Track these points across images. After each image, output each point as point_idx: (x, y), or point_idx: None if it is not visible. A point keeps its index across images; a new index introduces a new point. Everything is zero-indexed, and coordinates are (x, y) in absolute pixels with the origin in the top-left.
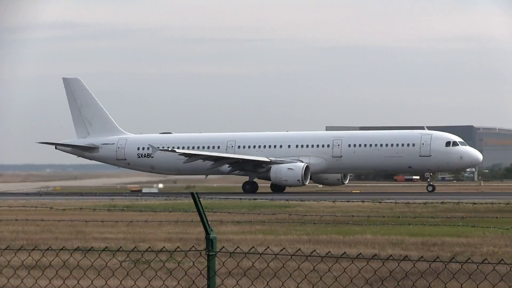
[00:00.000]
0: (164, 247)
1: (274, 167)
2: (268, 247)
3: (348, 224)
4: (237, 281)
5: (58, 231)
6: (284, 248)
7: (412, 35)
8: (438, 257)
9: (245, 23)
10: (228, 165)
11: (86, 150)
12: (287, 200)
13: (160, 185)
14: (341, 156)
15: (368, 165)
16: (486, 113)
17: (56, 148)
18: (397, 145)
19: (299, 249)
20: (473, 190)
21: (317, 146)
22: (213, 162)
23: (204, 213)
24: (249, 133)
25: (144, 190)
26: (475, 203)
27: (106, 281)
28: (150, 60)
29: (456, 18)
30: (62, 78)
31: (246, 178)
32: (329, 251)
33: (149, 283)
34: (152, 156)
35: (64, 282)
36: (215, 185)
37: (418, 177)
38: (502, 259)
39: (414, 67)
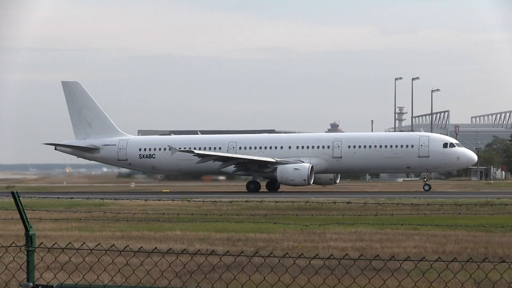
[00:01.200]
0: None
1: (280, 167)
2: (84, 243)
3: (159, 221)
4: (55, 275)
5: None
6: (99, 243)
7: (219, 46)
8: (242, 251)
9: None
10: (233, 166)
11: (86, 151)
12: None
13: None
14: (341, 157)
15: (367, 165)
16: (286, 118)
17: (55, 149)
18: (396, 146)
19: (113, 244)
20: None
21: (318, 147)
22: (222, 163)
23: (23, 211)
24: (250, 134)
25: None
26: (277, 202)
27: None
28: None
29: (263, 30)
30: (62, 81)
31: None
32: (141, 246)
33: None
34: (171, 154)
35: None
36: (33, 185)
37: (223, 178)
38: (302, 254)
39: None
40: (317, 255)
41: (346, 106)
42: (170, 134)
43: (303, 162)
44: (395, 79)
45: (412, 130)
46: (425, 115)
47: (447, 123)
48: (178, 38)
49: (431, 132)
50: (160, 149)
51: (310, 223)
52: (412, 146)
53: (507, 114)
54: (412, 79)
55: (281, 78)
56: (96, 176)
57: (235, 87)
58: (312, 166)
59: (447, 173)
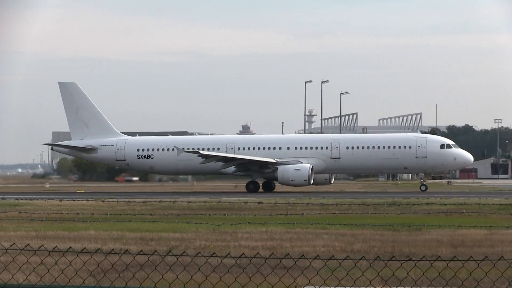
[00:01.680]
0: None
1: (281, 168)
2: None
3: (74, 221)
4: None
5: None
6: (14, 243)
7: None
8: (156, 250)
9: None
10: (234, 166)
11: (84, 151)
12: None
13: None
14: (340, 158)
15: (365, 166)
16: (199, 120)
17: (52, 149)
18: (394, 147)
19: (28, 244)
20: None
21: (316, 148)
22: (223, 163)
23: None
24: (248, 135)
25: None
26: (189, 202)
27: None
28: None
29: (175, 33)
30: (58, 82)
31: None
32: (56, 246)
33: None
34: (177, 155)
35: None
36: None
37: (137, 178)
38: (214, 253)
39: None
40: (228, 254)
41: (257, 108)
42: (167, 135)
43: (302, 163)
44: (305, 82)
45: (322, 132)
46: (334, 117)
47: (356, 125)
48: (92, 41)
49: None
50: (158, 149)
51: (222, 222)
52: (410, 147)
53: (414, 116)
54: (322, 82)
55: (193, 81)
56: (11, 177)
57: (148, 89)
58: (312, 166)
59: (356, 175)
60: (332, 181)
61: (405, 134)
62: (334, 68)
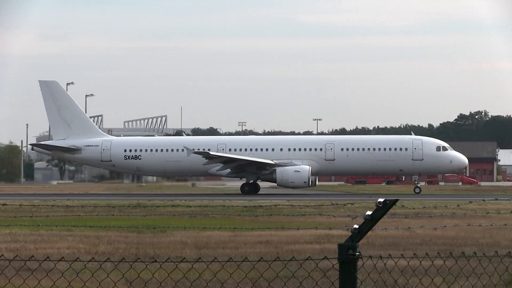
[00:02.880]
0: None
1: (279, 169)
2: None
3: None
4: None
5: None
6: None
7: None
8: None
9: None
10: (230, 168)
11: (67, 152)
12: None
13: None
14: (334, 160)
15: (360, 168)
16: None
17: (32, 149)
18: (390, 149)
19: None
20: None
21: (310, 149)
22: (222, 165)
23: None
24: (239, 136)
25: None
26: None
27: None
28: None
29: None
30: (39, 80)
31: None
32: None
33: None
34: (187, 155)
35: None
36: None
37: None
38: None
39: None
40: None
41: None
42: (153, 136)
43: (304, 164)
44: (67, 83)
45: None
46: None
47: (101, 127)
48: None
49: None
50: (146, 150)
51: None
52: (406, 149)
53: (159, 119)
54: (67, 84)
55: None
56: None
57: None
58: (310, 168)
59: (100, 176)
60: (317, 183)
61: (401, 136)
62: (79, 70)
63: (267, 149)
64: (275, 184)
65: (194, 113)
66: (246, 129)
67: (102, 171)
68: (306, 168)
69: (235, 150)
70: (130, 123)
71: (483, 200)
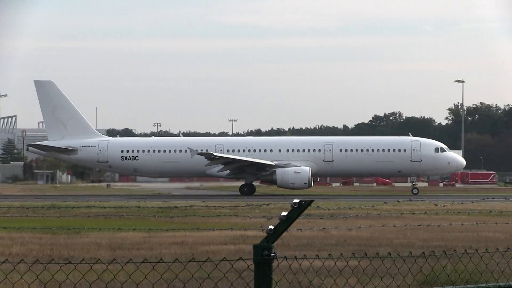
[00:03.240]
0: None
1: (280, 170)
2: None
3: None
4: None
5: None
6: None
7: None
8: None
9: None
10: (229, 169)
11: (63, 152)
12: None
13: None
14: (333, 161)
15: (359, 169)
16: None
17: (27, 149)
18: (388, 150)
19: None
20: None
21: (308, 150)
22: (223, 166)
23: None
24: (237, 137)
25: None
26: None
27: None
28: None
29: None
30: (34, 80)
31: None
32: None
33: None
34: (191, 156)
35: None
36: None
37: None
38: None
39: None
40: None
41: None
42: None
43: (304, 166)
44: None
45: None
46: None
47: (15, 127)
48: None
49: None
50: (143, 151)
51: None
52: (405, 150)
53: (13, 119)
54: None
55: None
56: None
57: None
58: (310, 169)
59: (14, 177)
60: (312, 185)
61: (399, 137)
62: None
63: (265, 150)
64: (266, 185)
65: (109, 114)
66: (161, 130)
67: (16, 171)
68: (306, 169)
69: (233, 151)
70: (44, 124)
71: (398, 201)
